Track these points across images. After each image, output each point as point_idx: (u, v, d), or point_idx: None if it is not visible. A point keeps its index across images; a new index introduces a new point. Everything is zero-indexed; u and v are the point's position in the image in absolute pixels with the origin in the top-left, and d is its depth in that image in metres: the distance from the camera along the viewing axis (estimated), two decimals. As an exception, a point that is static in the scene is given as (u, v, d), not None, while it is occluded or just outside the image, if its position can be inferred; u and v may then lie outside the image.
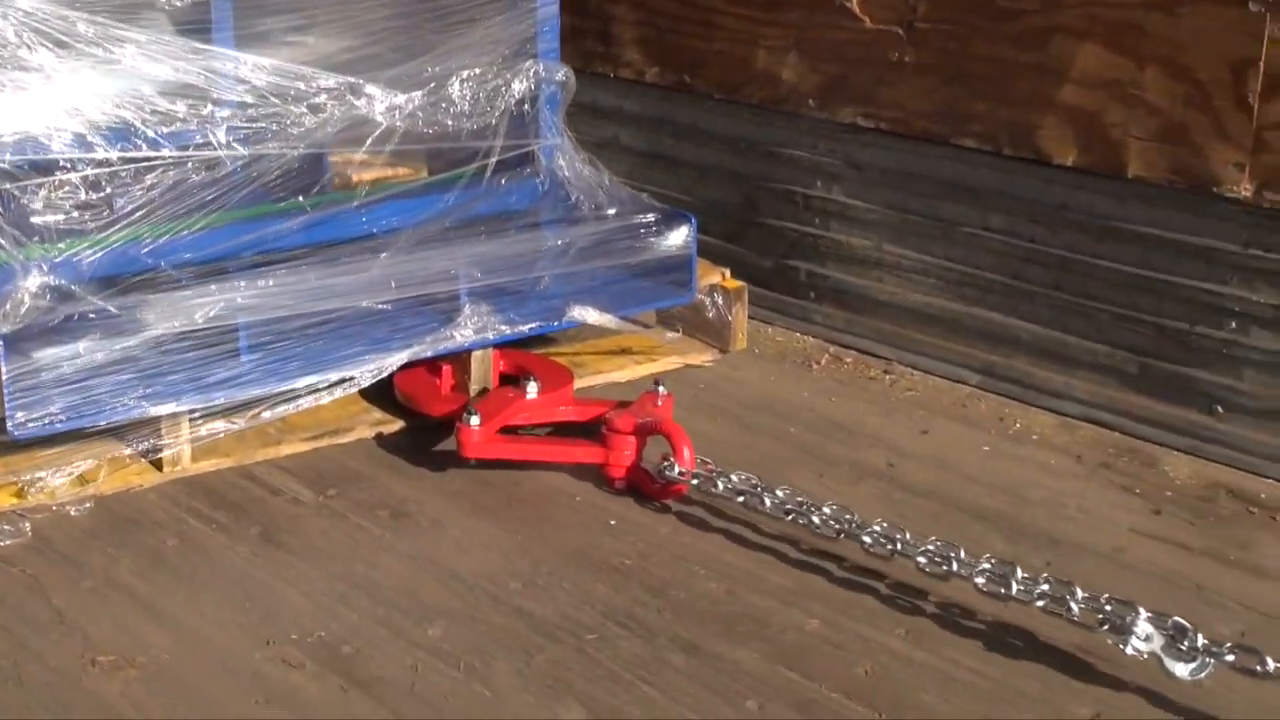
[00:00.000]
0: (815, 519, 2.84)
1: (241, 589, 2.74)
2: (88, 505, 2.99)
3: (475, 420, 3.09)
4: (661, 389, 3.31)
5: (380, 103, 3.29)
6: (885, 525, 2.79)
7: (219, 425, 3.10)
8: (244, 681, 2.48)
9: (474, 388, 3.37)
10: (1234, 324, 3.23)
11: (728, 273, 3.85)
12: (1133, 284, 3.37)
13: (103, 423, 3.00)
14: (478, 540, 2.92)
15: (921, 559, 2.70)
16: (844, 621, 2.66)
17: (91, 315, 2.99)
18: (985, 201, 3.61)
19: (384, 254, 3.29)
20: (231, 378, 3.09)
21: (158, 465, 3.10)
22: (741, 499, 2.95)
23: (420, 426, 3.32)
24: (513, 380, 3.38)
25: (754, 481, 2.96)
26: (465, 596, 2.72)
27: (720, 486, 2.97)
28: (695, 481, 2.99)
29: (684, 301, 3.74)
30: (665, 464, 3.02)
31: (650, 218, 3.62)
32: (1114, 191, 3.37)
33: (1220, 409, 3.27)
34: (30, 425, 2.92)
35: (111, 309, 2.99)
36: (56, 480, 3.01)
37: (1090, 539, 2.96)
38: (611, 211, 3.63)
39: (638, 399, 3.29)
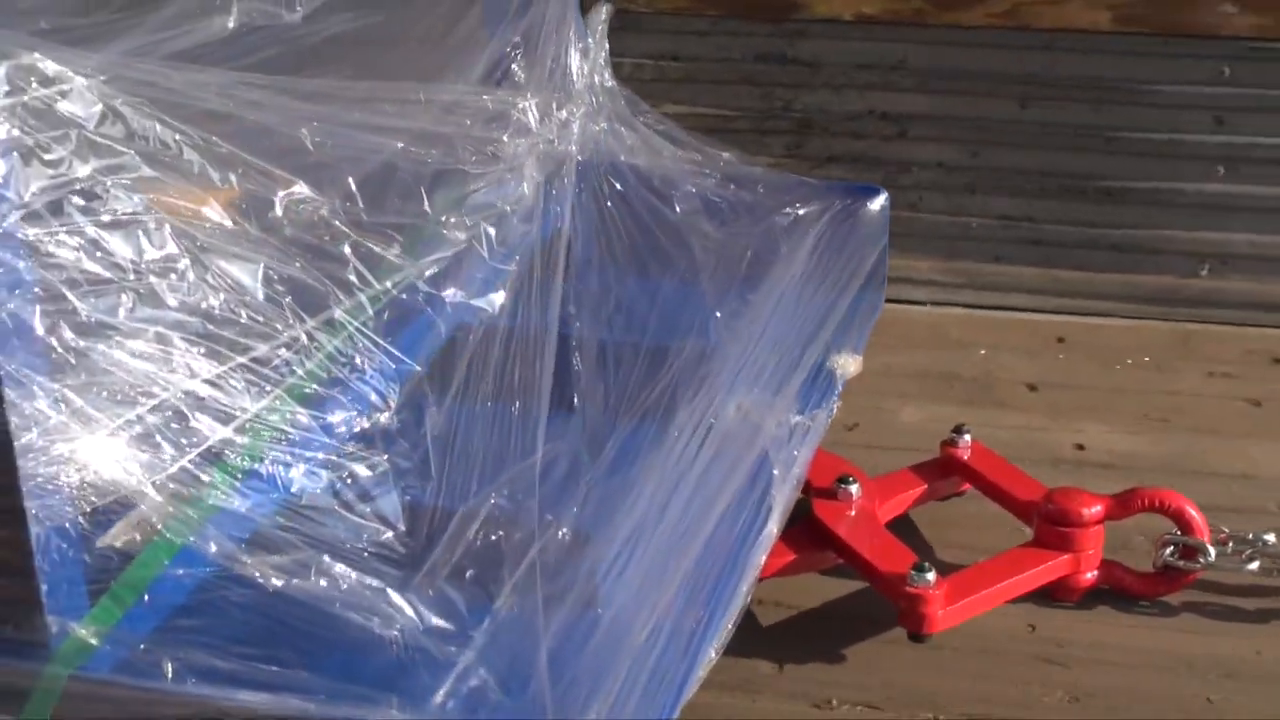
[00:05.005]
0: None
1: None
2: None
3: (931, 577, 2.03)
4: (966, 437, 2.36)
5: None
6: None
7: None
8: None
9: None
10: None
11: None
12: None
13: None
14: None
15: None
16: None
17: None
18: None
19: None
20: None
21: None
22: None
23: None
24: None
25: None
26: None
27: None
28: (1253, 565, 2.15)
29: (879, 308, 2.56)
30: (1170, 549, 2.18)
31: (847, 200, 2.43)
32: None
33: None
34: None
35: None
36: None
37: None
38: (787, 202, 2.37)
39: (942, 458, 2.37)
